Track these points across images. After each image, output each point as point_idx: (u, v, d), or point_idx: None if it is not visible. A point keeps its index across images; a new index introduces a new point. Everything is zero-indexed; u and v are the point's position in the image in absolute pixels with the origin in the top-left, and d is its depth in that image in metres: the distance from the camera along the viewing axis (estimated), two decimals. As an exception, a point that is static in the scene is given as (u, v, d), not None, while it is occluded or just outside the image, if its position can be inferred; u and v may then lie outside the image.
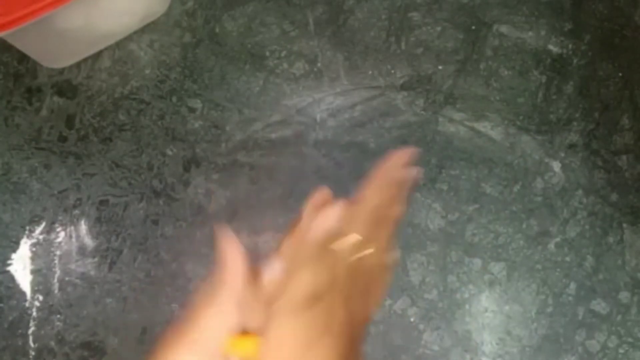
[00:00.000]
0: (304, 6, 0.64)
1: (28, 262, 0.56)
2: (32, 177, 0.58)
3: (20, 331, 0.55)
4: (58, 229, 0.57)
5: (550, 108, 0.63)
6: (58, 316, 0.55)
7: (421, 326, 0.57)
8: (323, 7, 0.64)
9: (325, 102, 0.62)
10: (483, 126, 0.62)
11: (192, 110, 0.61)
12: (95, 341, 0.55)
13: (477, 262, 0.58)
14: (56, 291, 0.56)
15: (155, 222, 0.58)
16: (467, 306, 0.58)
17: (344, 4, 0.64)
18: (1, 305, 0.56)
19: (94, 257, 0.57)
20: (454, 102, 0.62)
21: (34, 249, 0.57)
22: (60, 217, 0.58)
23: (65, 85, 0.60)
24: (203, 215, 0.57)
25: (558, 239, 0.59)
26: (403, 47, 0.64)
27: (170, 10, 0.63)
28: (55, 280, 0.56)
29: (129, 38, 0.62)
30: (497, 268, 0.58)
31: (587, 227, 0.60)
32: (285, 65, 0.62)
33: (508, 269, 0.58)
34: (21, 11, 0.46)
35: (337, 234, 0.31)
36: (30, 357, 0.55)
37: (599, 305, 0.58)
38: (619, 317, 0.58)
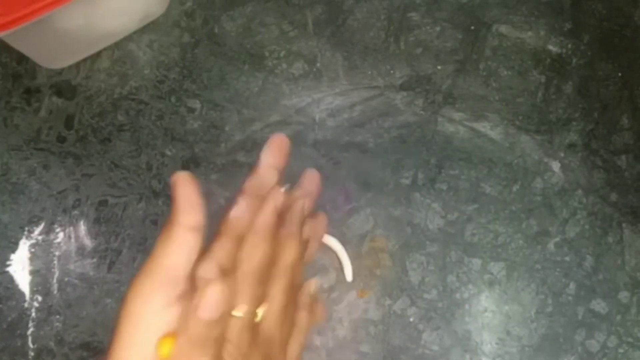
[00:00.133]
0: (303, 6, 0.64)
1: (27, 262, 0.56)
2: (31, 178, 0.58)
3: (19, 332, 0.55)
4: (57, 230, 0.57)
5: (550, 108, 0.63)
6: (57, 317, 0.55)
7: (421, 326, 0.57)
8: (322, 7, 0.64)
9: (324, 102, 0.62)
10: (482, 126, 0.62)
11: (191, 110, 0.61)
12: (95, 342, 0.55)
13: (477, 262, 0.58)
14: (55, 292, 0.56)
15: (155, 223, 0.58)
16: (466, 306, 0.58)
17: (343, 4, 0.64)
18: (0, 306, 0.55)
19: (93, 257, 0.57)
20: (453, 102, 0.62)
21: (33, 250, 0.57)
22: (59, 218, 0.58)
23: (64, 86, 0.60)
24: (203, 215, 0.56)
25: (557, 239, 0.59)
26: (402, 47, 0.64)
27: (169, 11, 0.63)
28: (55, 280, 0.56)
29: (128, 38, 0.62)
30: (496, 268, 0.58)
31: (586, 227, 0.60)
32: (284, 66, 0.62)
33: (507, 268, 0.58)
34: (20, 11, 0.46)
35: (218, 320, 0.29)
36: (30, 357, 0.55)
37: (599, 305, 0.58)
38: (619, 317, 0.58)
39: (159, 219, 0.58)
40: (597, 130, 0.62)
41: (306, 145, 0.60)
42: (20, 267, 0.56)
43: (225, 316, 0.29)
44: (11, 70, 0.60)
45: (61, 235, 0.57)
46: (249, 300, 0.31)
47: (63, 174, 0.59)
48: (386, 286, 0.58)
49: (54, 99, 0.60)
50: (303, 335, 0.36)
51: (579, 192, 0.61)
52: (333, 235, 0.57)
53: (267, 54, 0.63)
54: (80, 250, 0.57)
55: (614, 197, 0.61)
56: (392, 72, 0.63)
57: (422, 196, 0.60)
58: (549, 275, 0.59)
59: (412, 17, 0.64)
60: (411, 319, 0.57)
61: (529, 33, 0.64)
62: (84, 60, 0.61)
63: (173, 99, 0.61)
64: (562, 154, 0.61)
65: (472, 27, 0.64)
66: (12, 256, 0.57)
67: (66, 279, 0.56)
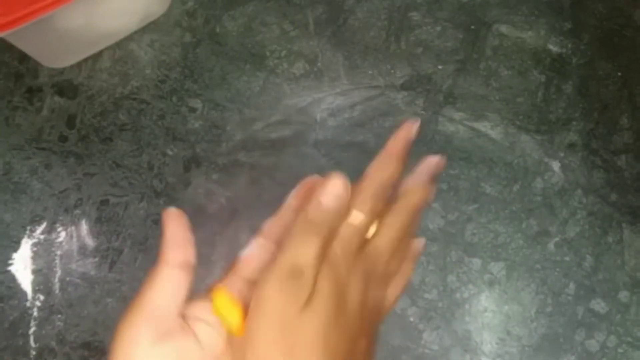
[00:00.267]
0: (304, 6, 0.64)
1: (29, 262, 0.57)
2: (33, 177, 0.58)
3: (21, 331, 0.55)
4: (59, 229, 0.57)
5: (550, 107, 0.63)
6: (59, 316, 0.56)
7: (421, 326, 0.57)
8: (323, 7, 0.64)
9: (325, 101, 0.62)
10: (483, 126, 0.62)
11: (192, 110, 0.61)
12: (96, 341, 0.55)
13: (477, 262, 0.59)
14: (57, 291, 0.56)
15: (156, 222, 0.58)
16: (466, 306, 0.58)
17: (344, 3, 0.64)
18: (2, 305, 0.56)
19: (94, 256, 0.57)
20: (453, 101, 0.62)
21: (34, 249, 0.57)
22: (61, 217, 0.58)
23: (66, 85, 0.61)
24: (203, 215, 0.57)
25: (557, 239, 0.60)
26: (403, 46, 0.64)
27: (170, 10, 0.63)
28: (56, 280, 0.56)
29: (129, 38, 0.62)
30: (496, 268, 0.59)
31: (586, 226, 0.60)
32: (285, 65, 0.62)
33: (507, 268, 0.59)
34: (21, 11, 0.46)
35: (336, 213, 0.29)
36: (31, 357, 0.55)
37: (598, 305, 0.58)
38: (619, 317, 0.58)
39: (160, 218, 0.58)
40: (597, 130, 0.62)
41: (307, 145, 0.61)
42: (22, 266, 0.57)
43: (343, 214, 0.29)
44: (13, 69, 0.61)
45: (63, 234, 0.58)
46: (367, 211, 0.30)
47: (65, 173, 0.59)
48: (386, 285, 0.58)
49: (56, 98, 0.60)
50: (404, 284, 0.35)
51: (579, 192, 0.61)
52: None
53: (268, 53, 0.63)
54: (82, 249, 0.57)
55: (613, 197, 0.61)
56: (392, 71, 0.63)
57: (422, 196, 0.60)
58: (549, 275, 0.59)
59: (413, 16, 0.64)
60: (411, 319, 0.57)
61: (529, 33, 0.64)
62: (86, 59, 0.61)
63: (174, 99, 0.61)
64: (562, 154, 0.62)
65: (473, 27, 0.64)
66: (14, 255, 0.57)
67: (68, 278, 0.57)
